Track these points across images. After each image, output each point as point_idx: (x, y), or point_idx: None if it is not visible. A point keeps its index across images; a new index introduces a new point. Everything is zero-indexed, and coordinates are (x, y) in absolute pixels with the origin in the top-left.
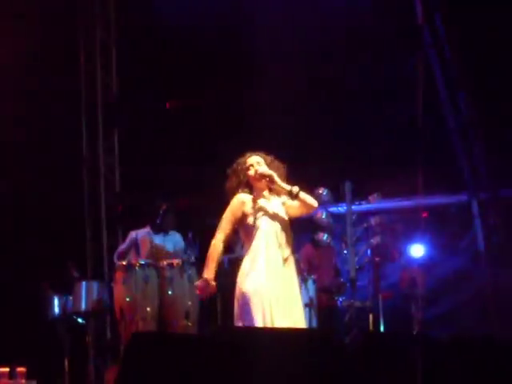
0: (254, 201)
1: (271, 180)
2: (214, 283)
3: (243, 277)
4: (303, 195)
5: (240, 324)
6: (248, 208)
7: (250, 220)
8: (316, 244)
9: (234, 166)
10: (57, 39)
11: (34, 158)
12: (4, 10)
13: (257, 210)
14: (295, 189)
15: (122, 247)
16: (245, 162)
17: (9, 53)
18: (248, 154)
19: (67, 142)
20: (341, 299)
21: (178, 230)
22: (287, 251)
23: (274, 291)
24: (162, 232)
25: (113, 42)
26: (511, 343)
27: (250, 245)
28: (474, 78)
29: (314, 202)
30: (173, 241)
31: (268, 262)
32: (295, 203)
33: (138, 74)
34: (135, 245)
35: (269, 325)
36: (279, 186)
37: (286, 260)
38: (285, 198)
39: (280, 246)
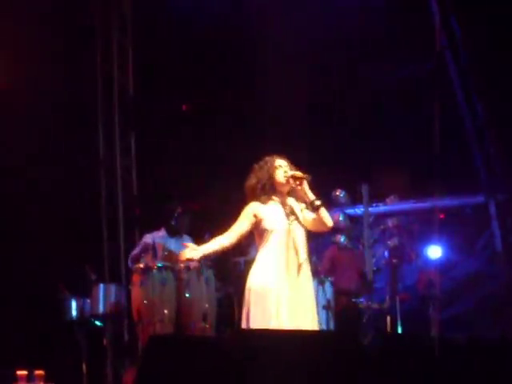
0: (267, 204)
1: (301, 184)
2: (193, 258)
3: (253, 277)
4: (323, 211)
5: (247, 324)
6: (264, 212)
7: (265, 223)
8: (340, 246)
9: (261, 164)
10: (73, 40)
11: (52, 159)
12: (19, 11)
13: (272, 213)
14: (318, 201)
15: (136, 251)
16: (272, 162)
17: (23, 55)
18: (274, 156)
19: (84, 143)
20: (359, 301)
21: (191, 232)
22: (302, 257)
23: (283, 293)
24: (177, 235)
25: (129, 43)
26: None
27: (263, 247)
28: (490, 80)
29: (330, 222)
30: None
31: (280, 265)
32: (310, 216)
33: (155, 75)
34: (153, 248)
35: (275, 326)
36: (305, 192)
37: (300, 266)
38: (303, 206)
39: (296, 251)
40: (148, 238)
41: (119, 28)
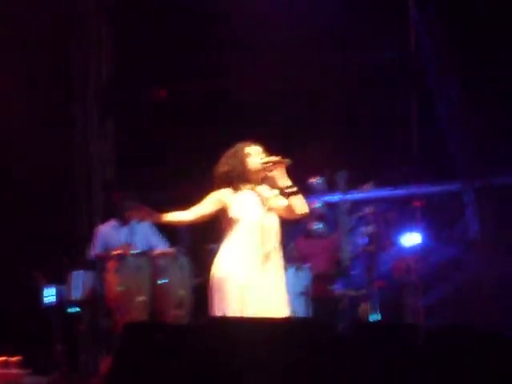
0: (237, 192)
1: (277, 168)
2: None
3: (217, 265)
4: (299, 197)
5: (214, 312)
6: (233, 200)
7: (233, 211)
8: (308, 235)
9: (233, 151)
10: (49, 25)
11: (29, 144)
12: None
13: (242, 201)
14: (294, 188)
15: (95, 243)
16: (245, 149)
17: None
18: (246, 143)
19: (61, 129)
20: (335, 288)
21: None
22: (272, 245)
23: (246, 281)
24: (127, 223)
25: (107, 27)
26: (505, 335)
27: (230, 236)
28: (465, 63)
29: (306, 209)
30: (141, 232)
31: (246, 254)
32: (284, 203)
33: (133, 58)
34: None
35: (240, 313)
36: (281, 178)
37: (267, 255)
38: (276, 193)
39: (265, 240)
40: (100, 230)
41: (96, 12)
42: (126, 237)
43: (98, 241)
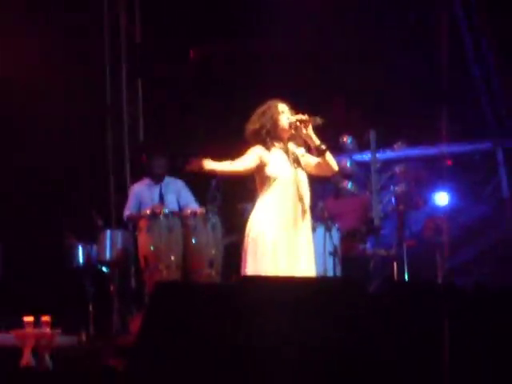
0: (270, 150)
1: (306, 127)
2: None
3: (252, 224)
4: (329, 155)
5: (243, 271)
6: (268, 157)
7: (269, 169)
8: (338, 194)
9: (264, 108)
10: None
11: (59, 107)
12: None
13: (276, 159)
14: (324, 146)
15: (129, 203)
16: (276, 107)
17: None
18: (277, 100)
19: (91, 92)
20: (366, 247)
21: (193, 178)
22: (307, 203)
23: (281, 241)
24: (160, 181)
25: None
26: None
27: (266, 194)
28: (499, 25)
29: (335, 166)
30: (174, 190)
31: (282, 213)
32: (314, 160)
33: (163, 22)
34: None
35: (273, 271)
36: (310, 136)
37: (304, 213)
38: (303, 151)
39: (300, 197)
40: (135, 189)
41: None
42: (159, 195)
43: (131, 200)
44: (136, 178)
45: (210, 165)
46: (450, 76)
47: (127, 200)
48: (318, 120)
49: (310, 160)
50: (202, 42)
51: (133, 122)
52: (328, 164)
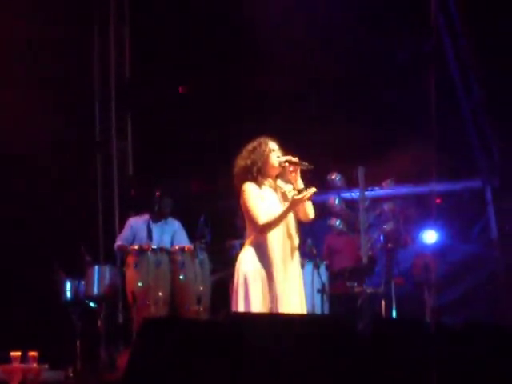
0: (261, 187)
1: (295, 170)
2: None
3: (243, 261)
4: (309, 202)
5: (235, 307)
6: (260, 195)
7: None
8: (336, 231)
9: (255, 145)
10: (71, 24)
11: (48, 143)
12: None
13: (265, 196)
14: (308, 192)
15: (123, 234)
16: (267, 144)
17: (20, 37)
18: (267, 138)
19: (81, 125)
20: (354, 285)
21: (182, 215)
22: (296, 241)
23: (273, 278)
24: (161, 220)
25: (127, 25)
26: None
27: (255, 230)
28: (487, 61)
29: (312, 214)
30: (171, 230)
31: (273, 250)
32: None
33: (152, 57)
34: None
35: (262, 308)
36: (296, 179)
37: (294, 249)
38: (290, 188)
39: (289, 235)
40: (131, 222)
41: (117, 11)
42: (154, 233)
43: (126, 232)
44: (124, 213)
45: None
46: (439, 113)
47: (122, 231)
48: (307, 165)
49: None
50: (190, 76)
51: (122, 158)
52: (305, 210)
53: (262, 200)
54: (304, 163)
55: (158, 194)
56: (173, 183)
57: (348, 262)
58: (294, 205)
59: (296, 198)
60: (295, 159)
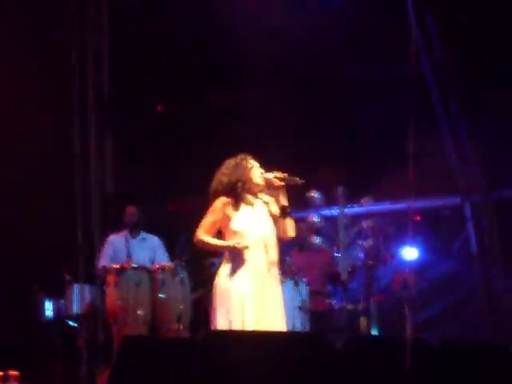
0: (240, 204)
1: (282, 186)
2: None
3: (219, 278)
4: (290, 220)
5: (212, 325)
6: (232, 210)
7: (235, 223)
8: (302, 248)
9: (237, 161)
10: (49, 41)
11: (26, 158)
12: None
13: (244, 212)
14: (289, 209)
15: (104, 253)
16: (248, 160)
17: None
18: (248, 156)
19: (59, 143)
20: (333, 302)
21: (164, 232)
22: (274, 257)
23: (252, 295)
24: (138, 235)
25: (105, 43)
26: (504, 348)
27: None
28: (466, 79)
29: (292, 233)
30: (151, 247)
31: (249, 266)
32: (275, 212)
33: (131, 75)
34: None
35: (241, 325)
36: (281, 196)
37: (272, 265)
38: (272, 200)
39: (267, 251)
40: (111, 239)
41: (95, 28)
42: (132, 250)
43: (107, 251)
44: (104, 231)
45: (221, 242)
46: (418, 131)
47: (102, 250)
48: (298, 180)
49: (274, 210)
50: (170, 96)
51: (101, 174)
52: (286, 227)
53: (231, 218)
54: (294, 178)
55: (129, 208)
56: (148, 199)
57: (323, 280)
58: (232, 248)
59: (237, 246)
60: (284, 175)
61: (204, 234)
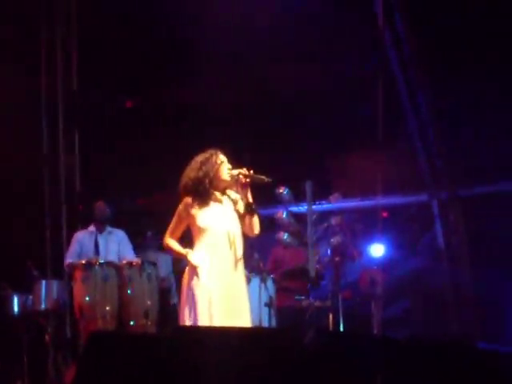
0: (206, 200)
1: (246, 184)
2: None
3: (186, 275)
4: (256, 218)
5: (183, 321)
6: (197, 208)
7: (200, 220)
8: (287, 245)
9: (206, 157)
10: (17, 39)
11: None
12: None
13: (209, 209)
14: (254, 206)
15: (71, 250)
16: (217, 156)
17: None
18: (217, 150)
19: (28, 140)
20: (301, 298)
21: (133, 229)
22: (239, 253)
23: (218, 291)
24: (105, 229)
25: (74, 41)
26: (468, 344)
27: (198, 244)
28: (434, 77)
29: (257, 230)
30: (117, 241)
31: (215, 262)
32: (241, 210)
33: (99, 72)
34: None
35: (208, 321)
36: (246, 193)
37: (238, 261)
38: (238, 198)
39: (232, 246)
40: (78, 236)
41: (63, 25)
42: (100, 244)
43: (73, 247)
44: (72, 228)
45: (183, 251)
46: (386, 128)
47: (69, 247)
48: (264, 179)
49: (240, 208)
50: (138, 90)
51: (69, 171)
52: (251, 225)
53: (196, 215)
54: (260, 176)
55: (81, 206)
56: (116, 196)
57: (292, 276)
58: (186, 259)
59: (191, 260)
60: (249, 172)
61: (170, 238)
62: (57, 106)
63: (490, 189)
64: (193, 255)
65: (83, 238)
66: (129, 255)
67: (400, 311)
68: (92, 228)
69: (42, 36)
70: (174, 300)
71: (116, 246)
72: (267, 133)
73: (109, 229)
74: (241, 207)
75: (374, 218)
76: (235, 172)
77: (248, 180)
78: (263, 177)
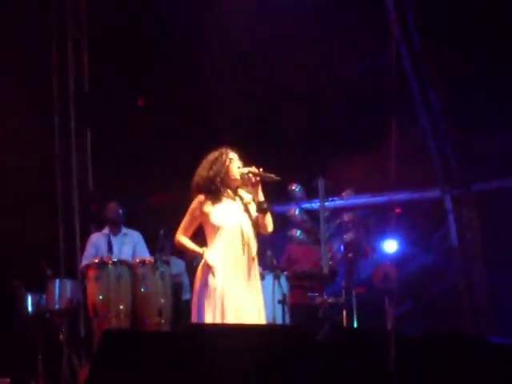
0: (219, 198)
1: (257, 182)
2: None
3: (199, 274)
4: (268, 215)
5: (196, 319)
6: (211, 206)
7: (213, 218)
8: (297, 242)
9: (217, 155)
10: (28, 39)
11: (6, 156)
12: None
13: (222, 207)
14: (266, 204)
15: (87, 253)
16: (228, 154)
17: None
18: (228, 148)
19: (40, 140)
20: (314, 295)
21: (146, 228)
22: (254, 251)
23: (233, 289)
24: (120, 231)
25: (85, 40)
26: (482, 340)
27: (212, 243)
28: (445, 73)
29: (271, 228)
30: (132, 242)
31: (228, 262)
32: (253, 211)
33: (111, 71)
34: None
35: (221, 319)
36: (256, 191)
37: (252, 259)
38: (250, 198)
39: (247, 245)
40: (93, 239)
41: (74, 25)
42: (114, 245)
43: (89, 250)
44: (85, 227)
45: (198, 249)
46: (399, 124)
47: (85, 250)
48: (273, 177)
49: (252, 210)
50: (151, 91)
51: (82, 171)
52: (265, 223)
53: (209, 213)
54: (269, 175)
55: (94, 205)
56: (129, 195)
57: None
58: (201, 257)
59: (207, 260)
60: (258, 170)
61: (182, 236)
62: (68, 106)
63: (505, 184)
64: (208, 253)
65: (98, 240)
66: (146, 255)
67: (414, 307)
68: (106, 230)
69: (54, 36)
70: (187, 296)
71: (131, 248)
72: (279, 130)
73: (124, 230)
74: (253, 208)
75: (386, 214)
76: (245, 171)
77: (258, 178)
78: (272, 175)
